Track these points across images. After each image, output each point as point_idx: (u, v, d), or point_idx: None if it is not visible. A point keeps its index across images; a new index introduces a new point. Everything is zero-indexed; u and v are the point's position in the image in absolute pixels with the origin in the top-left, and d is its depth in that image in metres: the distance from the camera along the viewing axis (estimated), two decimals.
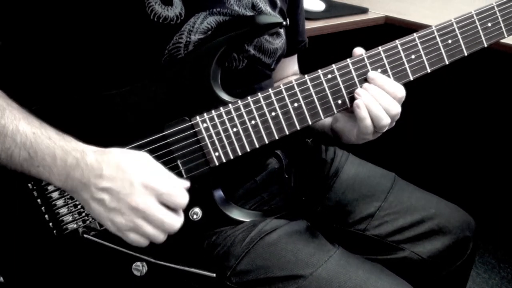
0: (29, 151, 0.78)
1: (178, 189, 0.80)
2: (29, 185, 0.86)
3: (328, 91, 0.89)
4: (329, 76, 0.89)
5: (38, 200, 0.87)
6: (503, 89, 2.12)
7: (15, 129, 0.78)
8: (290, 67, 1.22)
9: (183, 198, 0.80)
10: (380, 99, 0.88)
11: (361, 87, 0.90)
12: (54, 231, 0.88)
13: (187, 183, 0.83)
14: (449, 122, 2.31)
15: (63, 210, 0.88)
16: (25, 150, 0.78)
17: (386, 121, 0.89)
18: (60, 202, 0.87)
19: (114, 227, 0.79)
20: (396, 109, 0.89)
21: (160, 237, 0.80)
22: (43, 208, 0.87)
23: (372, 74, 0.89)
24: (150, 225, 0.79)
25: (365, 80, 0.90)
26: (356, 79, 0.89)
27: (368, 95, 0.88)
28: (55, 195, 0.87)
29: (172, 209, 0.80)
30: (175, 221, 0.80)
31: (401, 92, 0.90)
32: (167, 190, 0.78)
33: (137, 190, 0.77)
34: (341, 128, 0.98)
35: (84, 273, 0.90)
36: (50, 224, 0.87)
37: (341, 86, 0.89)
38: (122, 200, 0.77)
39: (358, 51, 0.91)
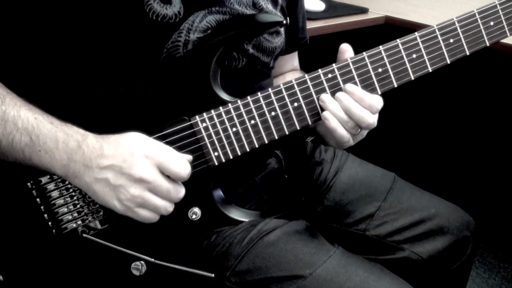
0: (31, 135, 0.78)
1: (179, 158, 0.80)
2: (28, 184, 0.86)
3: (328, 91, 0.89)
4: (329, 75, 0.89)
5: (37, 199, 0.87)
6: (503, 89, 2.12)
7: (16, 115, 0.79)
8: (290, 63, 1.22)
9: (185, 168, 0.80)
10: (354, 111, 0.87)
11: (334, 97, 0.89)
12: (53, 231, 0.88)
13: (188, 156, 0.83)
14: (449, 122, 2.31)
15: (63, 210, 0.87)
16: (27, 135, 0.78)
17: (342, 133, 0.89)
18: (59, 201, 0.87)
19: (123, 207, 0.79)
20: (369, 119, 0.88)
21: (169, 207, 0.81)
22: (42, 207, 0.87)
23: (349, 87, 0.88)
24: (157, 196, 0.79)
25: (365, 80, 0.89)
26: (356, 79, 0.89)
27: (337, 107, 0.88)
28: (54, 194, 0.87)
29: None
30: (180, 189, 0.81)
31: (379, 103, 0.89)
32: (167, 159, 0.79)
33: (138, 160, 0.77)
34: (323, 132, 0.98)
35: (83, 272, 0.90)
36: (49, 223, 0.87)
37: (342, 86, 0.89)
38: (126, 174, 0.77)
39: (345, 47, 0.91)
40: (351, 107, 0.87)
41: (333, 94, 0.89)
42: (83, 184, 0.80)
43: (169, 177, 0.80)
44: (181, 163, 0.80)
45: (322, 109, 0.89)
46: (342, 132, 0.88)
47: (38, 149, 0.79)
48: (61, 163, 0.79)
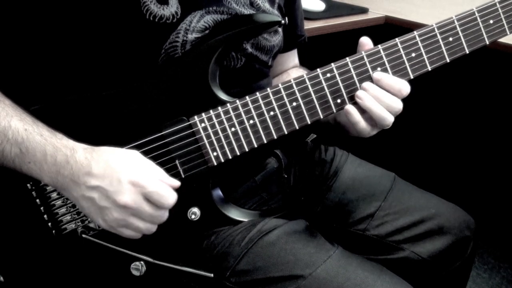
0: (21, 147, 0.79)
1: (166, 188, 0.80)
2: (28, 185, 0.86)
3: (327, 90, 0.89)
4: (328, 75, 0.89)
5: (37, 200, 0.87)
6: (503, 89, 2.12)
7: (7, 125, 0.79)
8: (290, 61, 1.22)
9: (171, 198, 0.80)
10: (383, 99, 0.88)
11: (360, 87, 0.89)
12: (53, 231, 0.88)
13: (177, 183, 0.82)
14: (449, 122, 2.31)
15: (62, 210, 0.88)
16: (17, 146, 0.79)
17: (389, 119, 0.89)
18: (59, 202, 0.87)
19: (106, 225, 0.80)
20: (399, 106, 0.89)
21: (153, 229, 0.82)
22: (42, 208, 0.87)
23: (377, 75, 0.88)
24: (141, 220, 0.79)
25: (364, 79, 0.89)
26: (355, 78, 0.89)
27: (369, 97, 0.88)
28: (54, 195, 0.87)
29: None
30: (163, 213, 0.81)
31: (406, 88, 0.89)
32: (155, 189, 0.78)
33: (125, 188, 0.77)
34: (345, 122, 0.97)
35: (83, 273, 0.90)
36: (49, 224, 0.88)
37: (340, 85, 0.89)
38: (111, 198, 0.77)
39: (365, 41, 0.91)
40: (380, 96, 0.88)
41: (332, 93, 0.89)
42: (71, 197, 0.81)
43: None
44: (166, 194, 0.80)
45: (339, 104, 0.90)
46: (363, 125, 0.89)
47: (28, 161, 0.79)
48: (49, 176, 0.79)
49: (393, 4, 2.10)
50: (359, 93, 0.88)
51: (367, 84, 0.89)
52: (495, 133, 2.19)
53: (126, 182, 0.77)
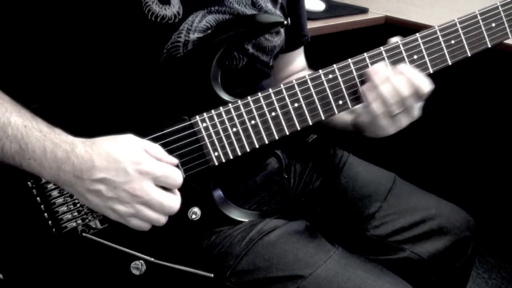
0: (20, 143, 0.78)
1: (171, 169, 0.81)
2: (29, 183, 0.86)
3: (329, 91, 0.89)
4: (330, 76, 0.89)
5: (38, 198, 0.87)
6: (504, 89, 2.12)
7: (6, 122, 0.79)
8: (297, 61, 1.21)
9: (178, 178, 0.81)
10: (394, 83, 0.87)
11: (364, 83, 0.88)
12: (53, 230, 0.88)
13: (175, 160, 0.84)
14: (449, 122, 2.31)
15: (63, 209, 0.87)
16: (16, 143, 0.79)
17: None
18: (59, 200, 0.87)
19: (115, 215, 0.80)
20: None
21: (162, 219, 0.82)
22: (42, 206, 0.87)
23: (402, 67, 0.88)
24: (150, 209, 0.80)
25: (366, 80, 0.89)
26: (357, 80, 0.89)
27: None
28: (54, 193, 0.87)
29: (168, 189, 0.81)
30: (174, 202, 0.82)
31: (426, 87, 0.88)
32: (162, 173, 0.79)
33: (133, 177, 0.77)
34: (365, 122, 0.95)
35: (83, 271, 0.90)
36: (49, 222, 0.87)
37: (342, 86, 0.89)
38: (119, 188, 0.77)
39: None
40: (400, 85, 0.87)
41: (334, 94, 0.89)
42: (74, 192, 0.81)
43: (163, 187, 0.81)
44: (174, 174, 0.81)
45: (341, 105, 0.89)
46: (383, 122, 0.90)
47: (28, 157, 0.79)
48: (50, 172, 0.79)
49: (393, 4, 2.10)
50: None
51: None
52: (495, 133, 2.19)
53: (133, 171, 0.78)
